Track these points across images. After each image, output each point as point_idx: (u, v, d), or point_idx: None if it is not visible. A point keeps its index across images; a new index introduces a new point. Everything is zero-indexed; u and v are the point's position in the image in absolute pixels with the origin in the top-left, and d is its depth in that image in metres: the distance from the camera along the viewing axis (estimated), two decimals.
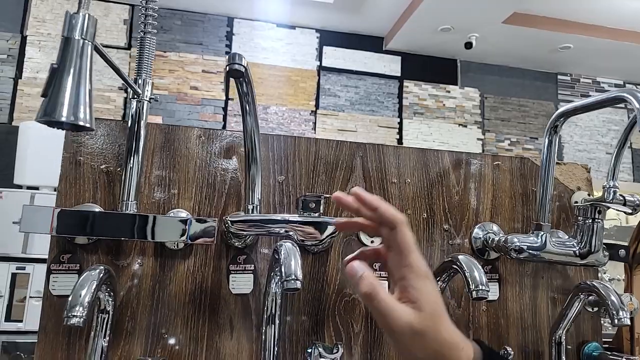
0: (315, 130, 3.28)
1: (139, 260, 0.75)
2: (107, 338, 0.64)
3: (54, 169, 2.86)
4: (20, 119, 2.77)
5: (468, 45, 3.15)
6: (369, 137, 3.37)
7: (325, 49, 3.37)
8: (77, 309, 0.54)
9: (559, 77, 3.92)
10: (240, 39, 3.20)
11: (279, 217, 0.71)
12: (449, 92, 3.59)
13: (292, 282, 0.55)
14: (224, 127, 3.11)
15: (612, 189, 0.76)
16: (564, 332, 0.77)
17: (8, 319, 2.49)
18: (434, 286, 0.39)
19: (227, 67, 0.57)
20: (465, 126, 3.59)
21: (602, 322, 0.88)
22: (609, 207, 0.77)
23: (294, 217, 0.71)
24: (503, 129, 3.67)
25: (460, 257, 0.66)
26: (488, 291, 0.59)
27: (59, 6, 2.93)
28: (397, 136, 3.43)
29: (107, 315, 0.65)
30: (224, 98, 3.14)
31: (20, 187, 2.64)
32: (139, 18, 0.72)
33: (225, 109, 3.12)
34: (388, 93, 3.46)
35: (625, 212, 0.77)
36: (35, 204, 2.54)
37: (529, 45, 3.38)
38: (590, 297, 0.74)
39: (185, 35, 3.08)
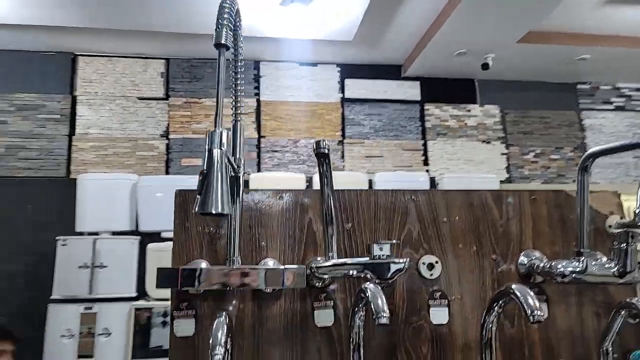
0: (343, 158, 3.44)
1: (240, 304, 0.90)
2: None
3: (111, 215, 3.08)
4: (77, 171, 3.02)
5: (485, 66, 3.28)
6: (395, 161, 3.51)
7: (347, 81, 3.55)
8: (217, 349, 0.69)
9: (578, 86, 4.00)
10: (268, 80, 3.41)
11: (355, 260, 0.85)
12: (469, 111, 3.71)
13: (383, 318, 0.68)
14: (259, 162, 3.29)
15: None
16: (610, 342, 0.88)
17: (80, 355, 2.71)
18: None
19: (315, 151, 0.73)
20: (489, 142, 3.69)
21: None
22: None
23: (365, 260, 0.85)
24: (526, 142, 3.75)
25: (514, 286, 0.78)
26: (543, 315, 0.71)
27: (102, 67, 3.20)
28: (423, 158, 3.55)
29: (228, 352, 0.79)
30: (256, 136, 3.33)
31: (81, 233, 2.87)
32: (232, 107, 0.88)
33: (258, 146, 3.32)
34: (410, 117, 3.60)
35: None
36: (97, 249, 2.75)
37: (546, 60, 3.49)
38: (633, 312, 0.85)
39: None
